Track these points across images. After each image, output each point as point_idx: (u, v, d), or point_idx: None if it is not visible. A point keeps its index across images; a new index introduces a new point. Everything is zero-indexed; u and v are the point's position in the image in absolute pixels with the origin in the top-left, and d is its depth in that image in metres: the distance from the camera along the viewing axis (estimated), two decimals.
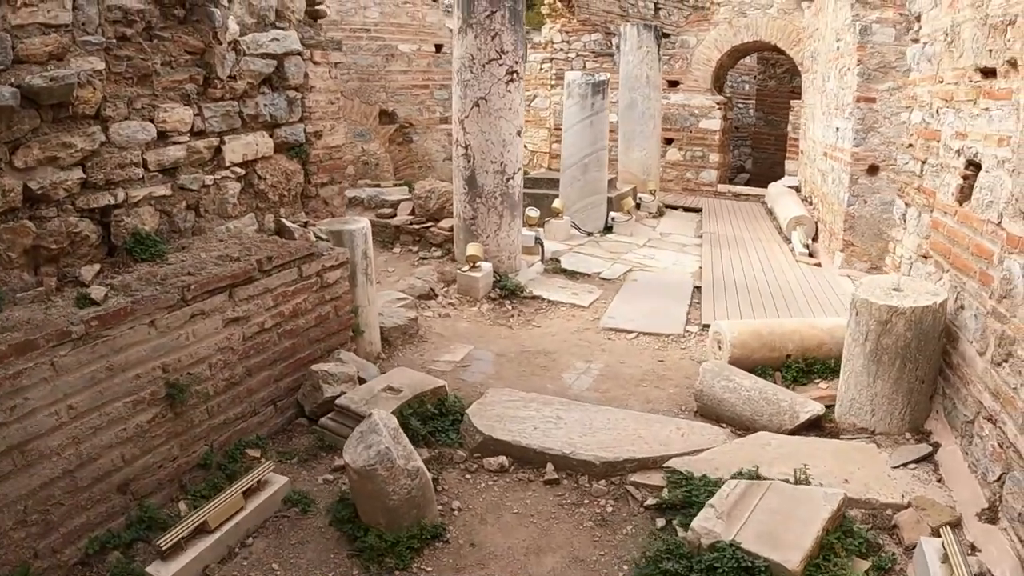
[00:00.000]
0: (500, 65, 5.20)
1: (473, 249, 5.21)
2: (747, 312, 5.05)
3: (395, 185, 9.25)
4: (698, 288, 5.73)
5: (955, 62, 3.13)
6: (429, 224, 6.25)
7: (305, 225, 4.13)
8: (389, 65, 10.00)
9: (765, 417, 3.28)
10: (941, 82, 3.29)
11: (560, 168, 7.80)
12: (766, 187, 10.47)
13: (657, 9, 12.71)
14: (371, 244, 4.08)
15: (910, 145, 3.77)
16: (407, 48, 10.19)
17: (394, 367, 3.79)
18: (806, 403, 3.30)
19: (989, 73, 2.80)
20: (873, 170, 5.66)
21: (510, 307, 5.24)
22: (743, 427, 3.34)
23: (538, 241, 6.17)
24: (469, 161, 5.41)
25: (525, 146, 14.38)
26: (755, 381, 3.42)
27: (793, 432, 3.20)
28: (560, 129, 11.54)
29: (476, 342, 4.57)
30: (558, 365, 4.21)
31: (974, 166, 2.95)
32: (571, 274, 6.04)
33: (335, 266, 3.65)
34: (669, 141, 10.98)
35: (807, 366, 3.87)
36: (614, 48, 11.57)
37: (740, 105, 15.23)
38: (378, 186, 10.38)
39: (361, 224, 4.02)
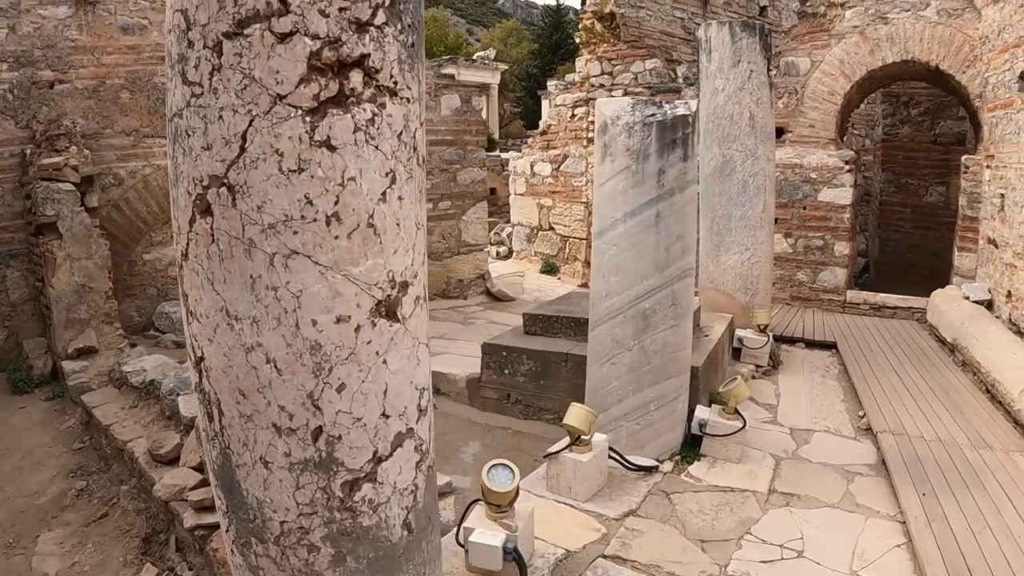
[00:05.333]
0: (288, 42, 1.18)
1: None
2: None
3: None
4: None
5: None
6: None
7: None
8: None
9: None
10: None
11: (590, 311, 3.46)
12: (904, 290, 7.07)
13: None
14: None
15: None
16: None
17: None
18: None
19: None
20: None
21: None
22: None
23: (510, 556, 2.11)
24: (216, 435, 1.40)
25: (552, 228, 9.59)
26: None
27: None
28: None
29: None
30: None
31: None
32: None
33: None
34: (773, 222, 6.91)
35: None
36: (680, 79, 7.62)
37: None
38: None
39: None
